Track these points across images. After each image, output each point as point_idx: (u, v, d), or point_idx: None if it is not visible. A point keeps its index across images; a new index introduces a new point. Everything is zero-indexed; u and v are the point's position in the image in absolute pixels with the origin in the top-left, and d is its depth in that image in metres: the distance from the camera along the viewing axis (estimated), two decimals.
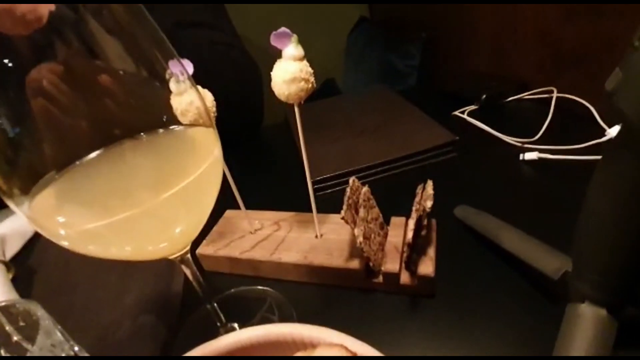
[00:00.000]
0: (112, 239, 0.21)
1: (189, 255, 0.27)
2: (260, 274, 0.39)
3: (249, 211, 0.42)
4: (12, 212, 0.58)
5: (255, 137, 0.77)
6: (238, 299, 0.38)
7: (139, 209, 0.20)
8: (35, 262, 0.50)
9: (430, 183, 0.34)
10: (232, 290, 0.39)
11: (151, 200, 0.20)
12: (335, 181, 0.51)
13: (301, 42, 0.29)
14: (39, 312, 0.23)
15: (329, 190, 0.52)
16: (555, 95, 0.58)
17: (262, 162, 0.68)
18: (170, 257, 0.27)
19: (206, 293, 0.32)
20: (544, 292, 0.32)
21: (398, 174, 0.53)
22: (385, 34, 1.31)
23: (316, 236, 0.39)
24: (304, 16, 1.49)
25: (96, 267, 0.46)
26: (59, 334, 0.24)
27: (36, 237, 0.55)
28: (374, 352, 0.22)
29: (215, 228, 0.44)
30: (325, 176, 0.51)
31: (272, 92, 0.31)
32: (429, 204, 0.32)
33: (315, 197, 0.38)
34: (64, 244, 0.21)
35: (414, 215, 0.32)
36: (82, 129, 0.22)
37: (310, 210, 0.39)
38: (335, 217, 0.41)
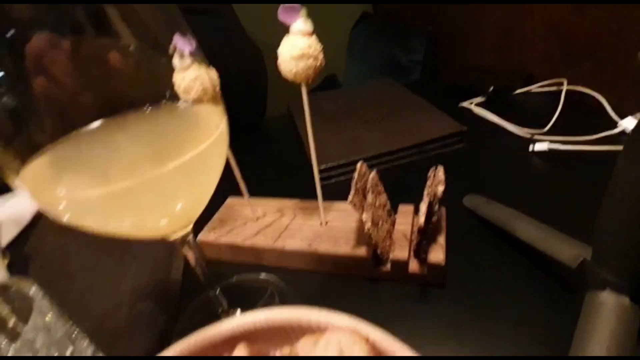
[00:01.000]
0: (109, 210, 0.19)
1: (191, 236, 0.26)
2: (263, 262, 0.38)
3: (252, 198, 0.41)
4: (7, 199, 0.57)
5: (258, 128, 0.75)
6: (240, 287, 0.37)
7: (139, 180, 0.19)
8: (31, 249, 0.49)
9: (441, 168, 0.33)
10: (234, 277, 0.37)
11: (152, 171, 0.19)
12: (340, 170, 0.50)
13: None
14: (33, 290, 0.22)
15: (333, 180, 0.50)
16: (565, 86, 0.57)
17: (265, 153, 0.66)
18: (172, 238, 0.25)
19: (207, 279, 0.30)
20: (560, 282, 0.31)
21: (404, 165, 0.51)
22: (388, 29, 1.30)
23: (321, 223, 0.38)
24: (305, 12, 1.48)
25: (93, 254, 0.45)
26: (54, 313, 0.23)
27: (32, 225, 0.53)
28: (387, 337, 0.21)
29: (216, 215, 0.42)
30: (329, 165, 0.50)
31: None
32: (440, 189, 0.31)
33: (320, 184, 0.37)
34: (62, 216, 0.20)
35: (425, 200, 0.30)
36: (84, 102, 0.21)
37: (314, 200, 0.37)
38: (340, 205, 0.40)
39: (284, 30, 0.29)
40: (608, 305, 0.24)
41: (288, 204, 0.42)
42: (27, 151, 0.19)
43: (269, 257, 0.38)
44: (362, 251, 0.34)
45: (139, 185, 0.19)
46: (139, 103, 0.22)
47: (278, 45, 0.29)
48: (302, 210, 0.41)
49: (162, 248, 0.42)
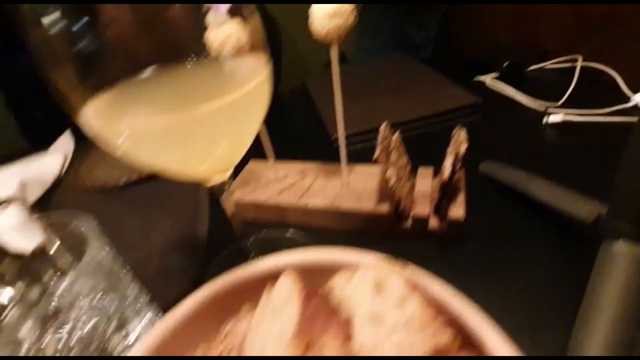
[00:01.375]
0: (161, 143, 0.21)
1: (231, 181, 0.28)
2: (286, 220, 0.40)
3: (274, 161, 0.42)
4: (31, 161, 0.58)
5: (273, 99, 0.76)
6: (265, 242, 0.38)
7: (188, 116, 0.20)
8: (54, 209, 0.51)
9: (463, 129, 0.34)
10: (263, 231, 0.39)
11: (200, 109, 0.21)
12: (358, 138, 0.51)
13: None
14: (88, 225, 0.24)
15: (351, 148, 0.51)
16: (580, 62, 0.58)
17: (280, 123, 0.67)
18: (211, 183, 0.27)
19: (239, 230, 0.32)
20: (575, 238, 0.32)
21: (421, 134, 0.52)
22: (400, 5, 1.29)
23: (342, 184, 0.39)
24: None
25: (117, 214, 0.47)
26: (108, 249, 0.24)
27: (55, 186, 0.55)
28: (420, 271, 0.22)
29: (239, 176, 0.44)
30: (347, 132, 0.50)
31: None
32: (463, 147, 0.32)
33: (340, 149, 0.38)
34: (121, 147, 0.21)
35: (449, 157, 0.32)
36: (141, 48, 0.22)
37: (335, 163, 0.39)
38: (360, 168, 0.41)
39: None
40: (622, 253, 0.26)
41: (310, 166, 0.43)
42: (93, 89, 0.20)
43: (292, 215, 0.39)
44: (384, 208, 0.35)
45: (188, 120, 0.21)
46: (190, 51, 0.23)
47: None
48: (324, 173, 0.42)
49: (187, 204, 0.44)
